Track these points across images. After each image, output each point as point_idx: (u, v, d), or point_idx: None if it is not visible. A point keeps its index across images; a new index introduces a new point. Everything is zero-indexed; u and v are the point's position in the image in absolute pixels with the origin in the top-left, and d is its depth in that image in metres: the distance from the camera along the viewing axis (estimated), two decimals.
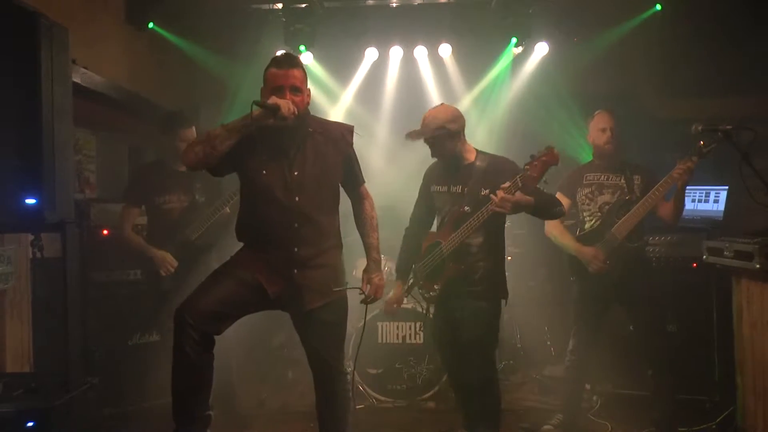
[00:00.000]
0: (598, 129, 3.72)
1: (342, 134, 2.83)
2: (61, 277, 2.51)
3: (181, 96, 5.40)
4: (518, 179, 2.87)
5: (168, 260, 3.75)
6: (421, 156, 3.45)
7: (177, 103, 4.94)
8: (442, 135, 3.13)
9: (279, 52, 5.33)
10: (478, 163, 3.18)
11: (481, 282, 3.16)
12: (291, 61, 2.72)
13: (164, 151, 4.00)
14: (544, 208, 3.07)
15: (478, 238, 3.16)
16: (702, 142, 3.29)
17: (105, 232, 4.11)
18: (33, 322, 3.21)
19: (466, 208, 3.11)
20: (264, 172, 2.69)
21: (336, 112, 5.87)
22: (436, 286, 3.27)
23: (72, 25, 2.57)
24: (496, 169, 3.11)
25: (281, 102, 2.56)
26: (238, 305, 2.68)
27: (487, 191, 3.04)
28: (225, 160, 2.63)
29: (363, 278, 2.96)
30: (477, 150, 3.26)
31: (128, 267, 4.13)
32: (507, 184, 2.89)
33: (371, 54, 5.72)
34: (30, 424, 2.28)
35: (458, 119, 3.17)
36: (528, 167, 2.86)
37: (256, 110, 2.54)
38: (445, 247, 3.20)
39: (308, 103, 2.76)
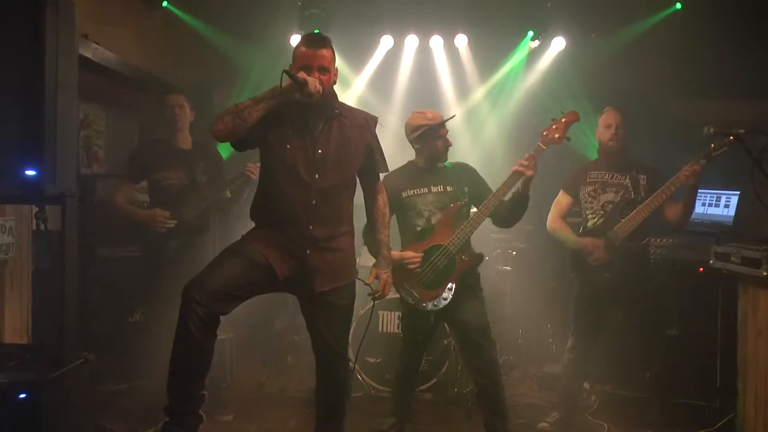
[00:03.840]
0: (604, 126, 3.67)
1: (366, 122, 2.84)
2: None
3: (193, 76, 5.38)
4: (540, 144, 3.19)
5: (157, 214, 3.64)
6: None
7: (189, 83, 4.93)
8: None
9: (293, 36, 5.34)
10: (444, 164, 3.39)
11: (474, 271, 3.36)
12: (321, 41, 2.72)
13: (164, 128, 3.93)
14: (525, 200, 3.20)
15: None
16: (713, 145, 3.23)
17: None
18: (33, 294, 3.22)
19: (459, 202, 3.28)
20: (288, 146, 2.68)
21: (347, 99, 5.80)
22: (450, 285, 3.22)
23: (85, 0, 2.54)
24: (461, 167, 3.42)
25: (309, 78, 2.57)
26: (245, 286, 2.65)
27: (466, 188, 3.31)
28: (249, 133, 2.61)
29: (371, 273, 2.95)
30: None
31: (132, 242, 4.11)
32: (531, 151, 3.15)
33: (386, 42, 5.66)
34: (22, 395, 2.27)
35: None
36: (547, 131, 3.22)
37: (285, 81, 2.54)
38: (452, 244, 3.22)
39: (335, 83, 2.77)
